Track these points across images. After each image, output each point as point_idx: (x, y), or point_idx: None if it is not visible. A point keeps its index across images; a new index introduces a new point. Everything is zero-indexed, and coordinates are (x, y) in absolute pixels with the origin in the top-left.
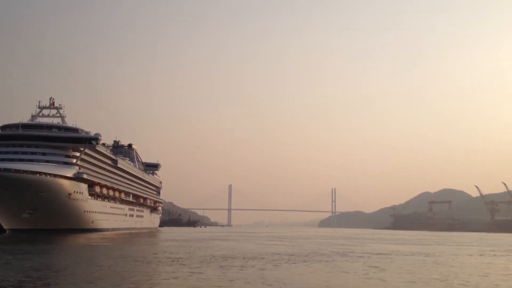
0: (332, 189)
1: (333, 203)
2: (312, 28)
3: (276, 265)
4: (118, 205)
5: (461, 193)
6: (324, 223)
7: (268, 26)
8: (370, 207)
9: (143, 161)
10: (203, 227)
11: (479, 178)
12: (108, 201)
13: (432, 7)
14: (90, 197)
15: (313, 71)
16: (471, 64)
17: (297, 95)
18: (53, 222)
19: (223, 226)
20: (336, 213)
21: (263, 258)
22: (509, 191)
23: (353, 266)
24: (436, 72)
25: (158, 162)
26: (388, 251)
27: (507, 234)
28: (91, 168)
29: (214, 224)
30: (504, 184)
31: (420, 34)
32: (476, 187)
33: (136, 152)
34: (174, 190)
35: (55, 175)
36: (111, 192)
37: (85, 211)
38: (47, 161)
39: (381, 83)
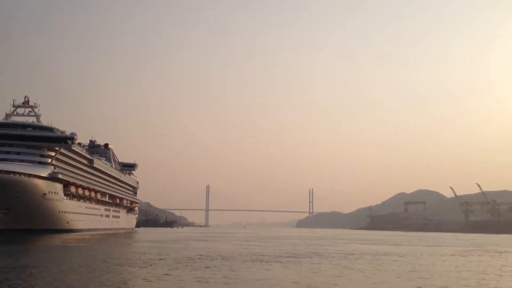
0: (309, 189)
1: (311, 203)
2: (299, 27)
3: (250, 266)
4: (94, 205)
5: (436, 194)
6: (301, 224)
7: (259, 25)
8: (347, 208)
9: (120, 161)
10: (180, 227)
11: (454, 179)
12: (84, 201)
13: (431, 7)
14: (65, 197)
15: (291, 70)
16: (456, 66)
17: (274, 96)
18: (27, 223)
19: (200, 226)
20: (314, 214)
21: (239, 259)
22: (483, 192)
23: (327, 266)
24: (418, 73)
25: (135, 162)
26: (363, 251)
27: (481, 234)
28: (67, 168)
29: (192, 224)
30: (478, 185)
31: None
32: (451, 188)
33: (112, 152)
34: (151, 190)
35: (30, 175)
36: (86, 192)
37: (60, 211)
38: (22, 161)
39: (355, 83)
